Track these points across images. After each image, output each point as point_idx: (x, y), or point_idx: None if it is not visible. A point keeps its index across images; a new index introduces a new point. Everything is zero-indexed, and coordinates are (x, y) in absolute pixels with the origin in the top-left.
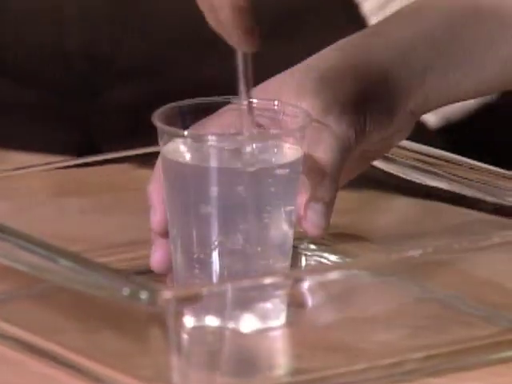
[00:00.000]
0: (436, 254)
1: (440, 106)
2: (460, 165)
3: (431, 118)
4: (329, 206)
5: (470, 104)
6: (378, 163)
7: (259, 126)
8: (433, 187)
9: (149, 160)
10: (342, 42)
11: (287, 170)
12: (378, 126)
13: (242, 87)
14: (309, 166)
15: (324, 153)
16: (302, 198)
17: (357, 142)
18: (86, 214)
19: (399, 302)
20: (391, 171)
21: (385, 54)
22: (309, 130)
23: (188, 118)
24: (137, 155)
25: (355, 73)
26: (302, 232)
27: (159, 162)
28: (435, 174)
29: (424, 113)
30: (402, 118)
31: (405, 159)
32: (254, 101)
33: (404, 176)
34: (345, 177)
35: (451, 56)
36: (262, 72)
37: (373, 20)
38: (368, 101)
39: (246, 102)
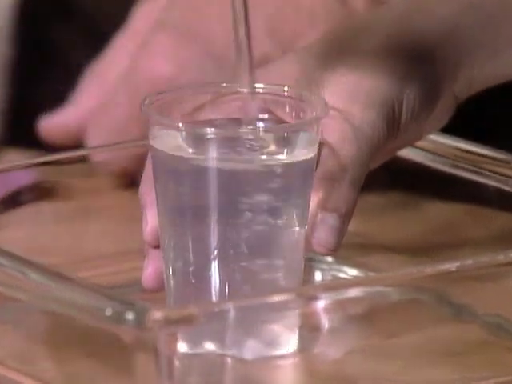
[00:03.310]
0: (477, 267)
1: (482, 89)
2: (508, 163)
3: None
4: (345, 219)
5: None
6: (408, 159)
7: (266, 114)
8: (475, 189)
9: None
10: (373, 17)
11: (300, 168)
12: (417, 115)
13: (243, 67)
14: (324, 164)
15: (344, 149)
16: (314, 204)
17: (388, 136)
18: (61, 220)
19: (432, 324)
20: (424, 169)
21: (428, 32)
22: (326, 120)
23: (184, 107)
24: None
25: (390, 53)
26: None
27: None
28: (478, 173)
29: (465, 97)
30: (444, 103)
31: (442, 155)
32: (261, 85)
33: (440, 174)
34: None
35: (503, 31)
36: None
37: None
38: (406, 86)
39: (251, 88)
